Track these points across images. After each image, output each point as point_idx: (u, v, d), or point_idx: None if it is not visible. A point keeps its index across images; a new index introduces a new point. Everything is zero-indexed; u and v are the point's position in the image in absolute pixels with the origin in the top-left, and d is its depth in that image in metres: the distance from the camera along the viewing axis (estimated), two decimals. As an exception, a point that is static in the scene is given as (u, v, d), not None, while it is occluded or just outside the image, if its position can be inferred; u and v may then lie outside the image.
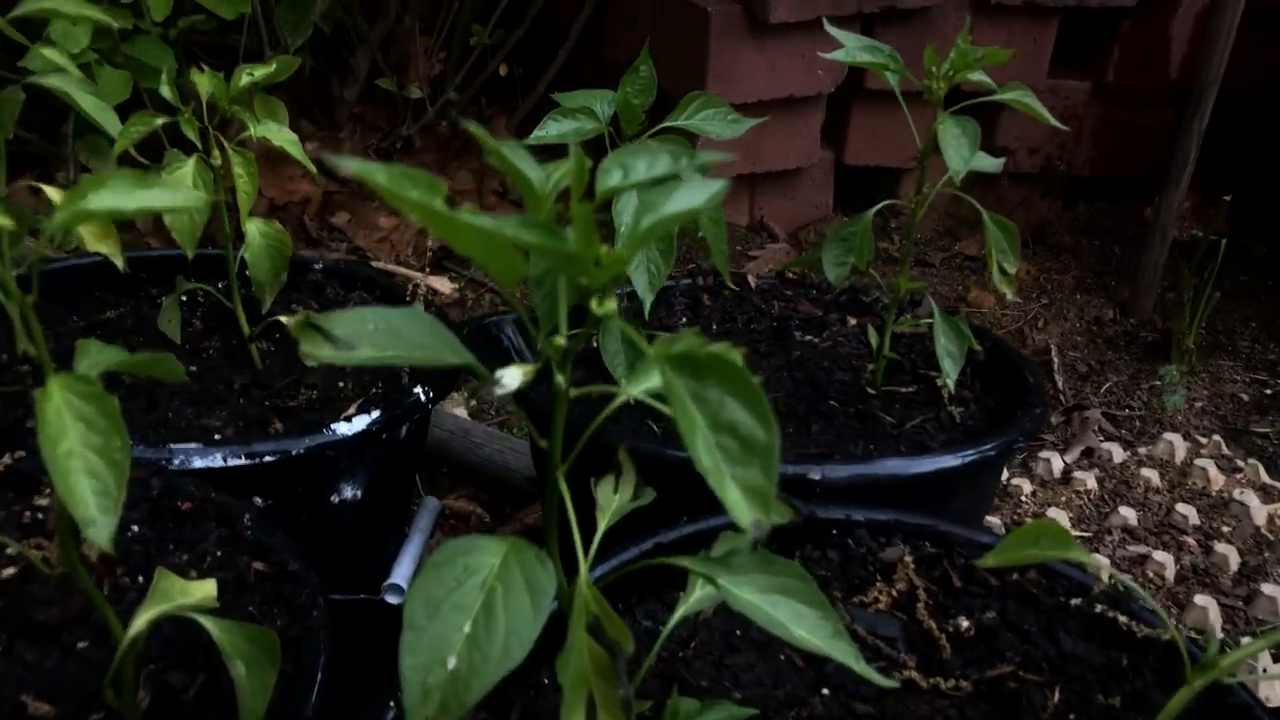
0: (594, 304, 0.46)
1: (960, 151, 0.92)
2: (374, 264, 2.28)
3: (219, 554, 0.80)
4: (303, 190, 2.47)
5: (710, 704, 0.64)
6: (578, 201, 0.47)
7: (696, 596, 0.64)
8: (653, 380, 0.55)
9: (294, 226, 2.42)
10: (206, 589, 0.66)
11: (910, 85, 1.04)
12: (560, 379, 0.50)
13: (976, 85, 1.00)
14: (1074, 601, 0.80)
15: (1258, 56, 2.21)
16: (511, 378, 0.49)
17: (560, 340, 0.49)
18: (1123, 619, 0.77)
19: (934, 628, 0.78)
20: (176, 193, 0.51)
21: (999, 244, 1.00)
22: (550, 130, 0.97)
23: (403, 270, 2.24)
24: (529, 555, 0.49)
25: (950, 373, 1.01)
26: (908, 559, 0.83)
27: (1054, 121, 1.00)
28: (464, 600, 0.47)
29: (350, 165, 0.40)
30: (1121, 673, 0.75)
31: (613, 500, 0.64)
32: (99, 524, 0.47)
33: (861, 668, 0.54)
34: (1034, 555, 0.69)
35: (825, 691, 0.73)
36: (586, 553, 0.56)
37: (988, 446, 0.97)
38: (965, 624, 0.78)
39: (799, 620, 0.54)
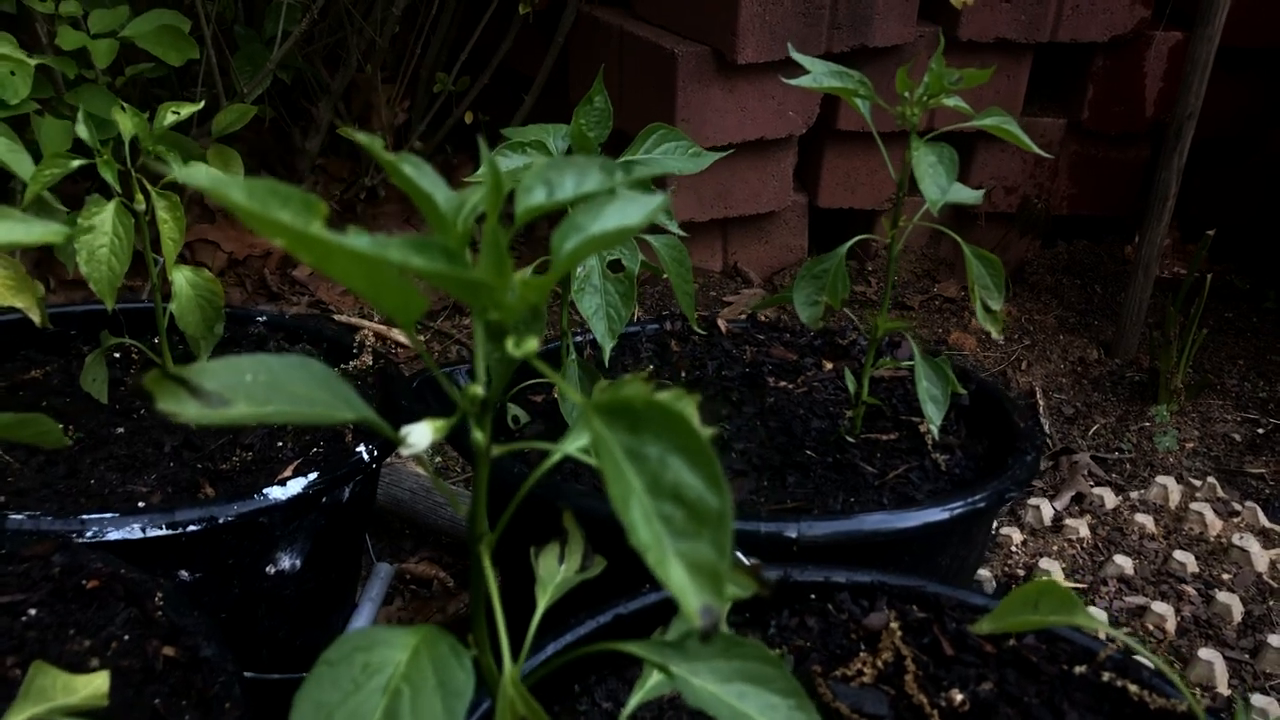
0: (510, 344, 0.38)
1: (937, 180, 0.86)
2: (337, 317, 2.20)
3: (126, 639, 0.71)
4: (263, 243, 2.40)
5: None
6: (493, 223, 0.40)
7: (653, 682, 0.56)
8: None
9: (255, 281, 2.35)
10: (94, 685, 0.58)
11: (886, 124, 0.98)
12: (478, 435, 0.42)
13: (953, 111, 0.94)
14: (1078, 669, 0.72)
15: (1230, 95, 2.18)
16: (420, 435, 0.42)
17: (476, 389, 0.42)
18: (1133, 688, 0.70)
19: (925, 703, 0.70)
20: (31, 226, 0.43)
21: (981, 280, 0.93)
22: (499, 166, 0.90)
23: (367, 324, 2.17)
24: (442, 650, 0.41)
25: (934, 418, 0.94)
26: (894, 625, 0.75)
27: (1035, 148, 0.94)
28: (362, 707, 0.39)
29: (200, 178, 0.33)
30: (1136, 750, 0.67)
31: (556, 572, 0.57)
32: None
33: (843, 767, 0.46)
34: (1034, 621, 0.61)
35: (806, 781, 0.65)
36: (521, 638, 0.48)
37: (977, 498, 0.90)
38: (959, 697, 0.70)
39: (770, 713, 0.46)
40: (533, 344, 0.38)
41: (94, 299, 1.88)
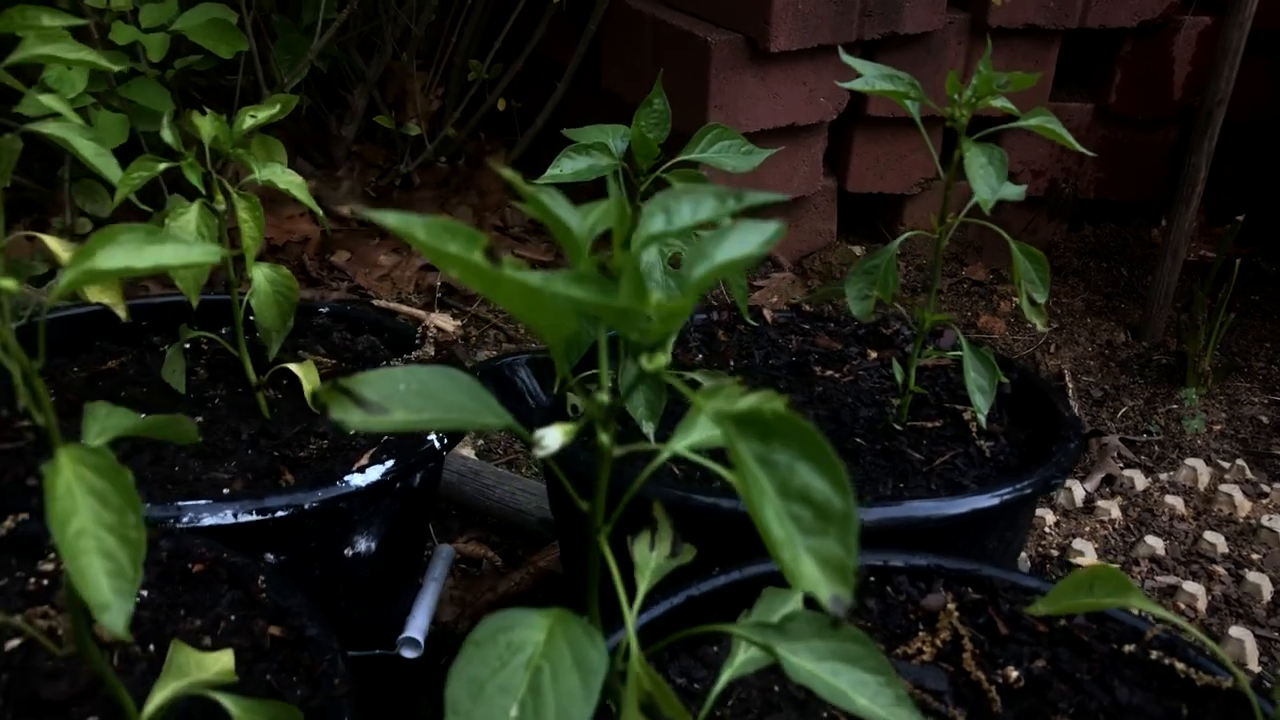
0: (645, 360, 0.43)
1: (988, 180, 0.89)
2: (375, 302, 2.25)
3: (233, 618, 0.76)
4: (302, 230, 2.44)
5: (760, 773, 0.60)
6: (620, 249, 0.44)
7: (741, 660, 0.60)
8: (697, 434, 0.52)
9: (293, 266, 2.39)
10: (223, 662, 0.63)
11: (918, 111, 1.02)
12: (604, 438, 0.47)
13: (993, 111, 0.98)
14: (1127, 648, 0.76)
15: (1261, 79, 2.20)
16: (552, 439, 0.46)
17: (604, 397, 0.46)
18: (1180, 666, 0.74)
19: (982, 679, 0.75)
20: (192, 247, 0.48)
21: (1027, 275, 0.97)
22: (564, 168, 0.94)
23: (405, 309, 2.22)
24: (576, 630, 0.45)
25: (981, 407, 0.98)
26: (951, 606, 0.80)
27: (1080, 148, 0.97)
28: (509, 681, 0.44)
29: (390, 219, 0.37)
30: (1183, 724, 0.71)
31: (650, 559, 0.61)
32: (114, 609, 0.44)
33: (929, 737, 0.51)
34: (1090, 604, 0.65)
35: (874, 751, 0.70)
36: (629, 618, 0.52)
37: (1024, 484, 0.94)
38: (1014, 674, 0.75)
39: (860, 689, 0.50)
40: (663, 359, 0.43)
41: (142, 294, 1.93)
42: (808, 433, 0.38)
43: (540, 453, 0.46)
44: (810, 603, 0.66)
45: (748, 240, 0.42)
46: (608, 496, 0.51)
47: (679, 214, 0.46)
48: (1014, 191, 1.00)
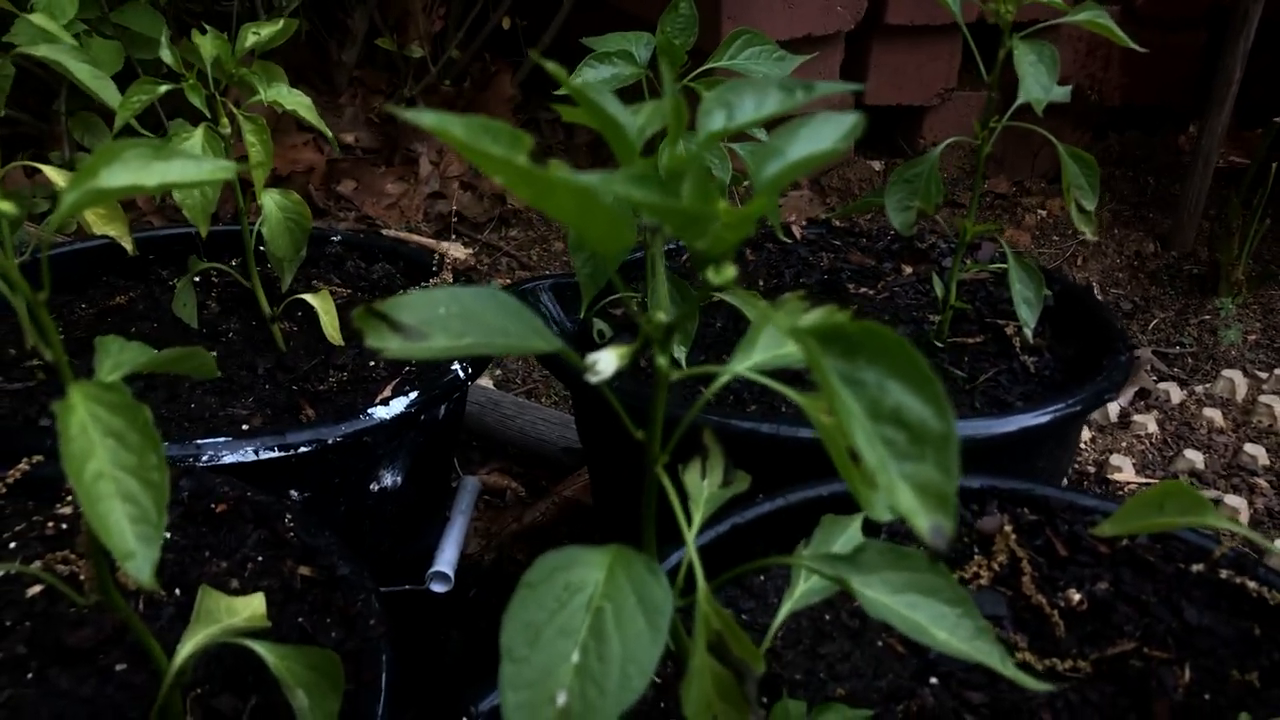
0: (711, 272, 0.38)
1: (1040, 80, 0.84)
2: (385, 232, 2.20)
3: (260, 559, 0.73)
4: (306, 159, 2.38)
5: (824, 708, 0.57)
6: (678, 149, 0.40)
7: (802, 590, 0.57)
8: (759, 354, 0.48)
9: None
10: (254, 606, 0.60)
11: (937, 16, 0.96)
12: (663, 360, 0.43)
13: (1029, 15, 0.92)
14: (1194, 567, 0.73)
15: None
16: (606, 363, 0.42)
17: (662, 316, 0.42)
18: (1251, 585, 0.71)
19: (1043, 603, 0.72)
20: (203, 163, 0.44)
21: (1076, 180, 0.92)
22: (586, 77, 0.89)
23: (415, 238, 2.17)
24: (637, 567, 0.42)
25: (1028, 320, 0.94)
26: (1007, 528, 0.76)
27: (1131, 43, 0.92)
28: (569, 624, 0.40)
29: (426, 119, 0.33)
30: (1256, 644, 0.68)
31: (701, 488, 0.58)
32: (139, 557, 0.40)
33: (1011, 671, 0.47)
34: (1161, 523, 0.62)
35: (934, 681, 0.67)
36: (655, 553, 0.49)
37: (1075, 400, 0.90)
38: (1076, 597, 0.72)
39: (940, 621, 0.47)
40: (731, 271, 0.39)
41: (146, 224, 1.88)
42: (898, 347, 0.34)
43: (594, 378, 0.42)
44: (868, 530, 0.63)
45: (824, 134, 0.38)
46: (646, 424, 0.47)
47: (741, 108, 0.41)
48: (1061, 93, 0.95)
